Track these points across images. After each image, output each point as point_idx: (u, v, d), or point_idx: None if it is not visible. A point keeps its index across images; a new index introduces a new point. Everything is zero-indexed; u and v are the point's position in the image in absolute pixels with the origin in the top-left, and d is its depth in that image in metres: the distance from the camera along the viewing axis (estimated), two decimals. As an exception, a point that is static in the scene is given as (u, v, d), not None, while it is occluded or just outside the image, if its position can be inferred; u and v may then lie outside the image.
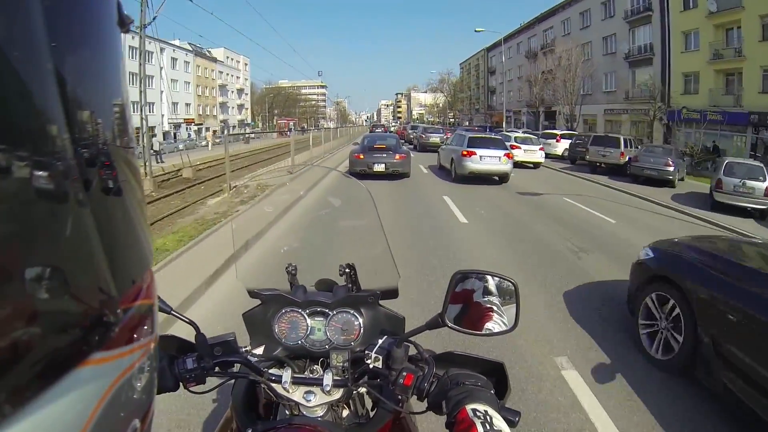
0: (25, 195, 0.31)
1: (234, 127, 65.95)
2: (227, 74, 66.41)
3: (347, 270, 1.30)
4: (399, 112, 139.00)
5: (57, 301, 0.34)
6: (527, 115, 46.73)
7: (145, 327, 0.46)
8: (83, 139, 0.36)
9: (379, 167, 13.83)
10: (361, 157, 14.10)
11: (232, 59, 68.54)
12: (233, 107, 68.43)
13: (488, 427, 0.79)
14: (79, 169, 0.35)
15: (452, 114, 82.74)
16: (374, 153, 14.29)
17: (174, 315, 1.01)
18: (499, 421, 0.81)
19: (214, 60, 62.10)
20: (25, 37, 0.30)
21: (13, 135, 0.30)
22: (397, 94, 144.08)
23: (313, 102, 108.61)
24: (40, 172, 0.32)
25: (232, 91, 67.97)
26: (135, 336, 0.43)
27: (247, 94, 73.96)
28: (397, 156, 14.15)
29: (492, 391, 0.97)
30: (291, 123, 63.04)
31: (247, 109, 73.25)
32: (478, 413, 0.83)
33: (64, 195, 0.34)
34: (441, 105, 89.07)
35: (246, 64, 73.84)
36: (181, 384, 1.03)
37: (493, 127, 44.25)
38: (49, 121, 0.32)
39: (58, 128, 0.33)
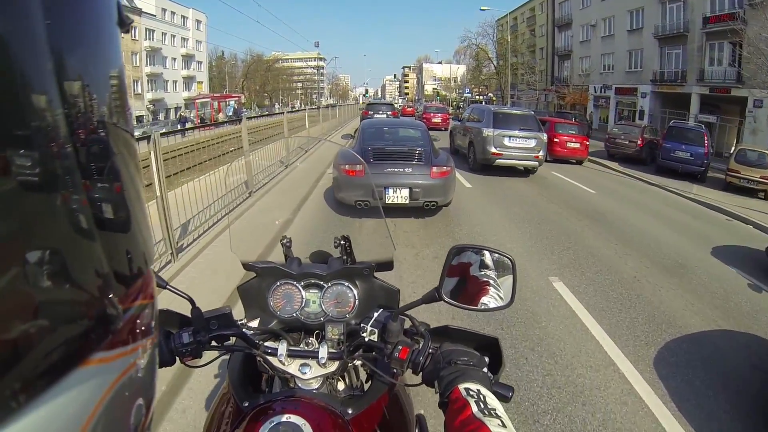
0: (21, 191, 0.31)
1: (177, 108, 44.78)
2: (165, 34, 45.16)
3: (342, 242, 1.32)
4: (406, 88, 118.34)
5: (56, 301, 0.34)
6: (652, 99, 25.70)
7: (145, 326, 0.46)
8: (84, 134, 0.36)
9: (399, 195, 6.47)
10: (360, 172, 6.23)
11: (174, 13, 47.24)
12: (176, 81, 47.65)
13: (482, 406, 0.78)
14: (79, 167, 0.35)
15: (478, 90, 61.82)
16: (386, 164, 6.67)
17: (169, 289, 0.99)
18: (492, 400, 0.82)
19: (138, 12, 40.82)
20: (24, 35, 0.30)
21: (13, 132, 0.30)
22: (404, 67, 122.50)
23: (308, 76, 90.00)
24: (40, 167, 0.32)
25: (173, 59, 46.95)
26: (135, 335, 0.44)
27: (200, 62, 52.71)
28: (434, 170, 6.68)
29: (485, 369, 0.97)
30: (231, 101, 41.83)
31: (200, 83, 52.02)
32: (471, 392, 0.83)
33: (61, 190, 0.34)
34: (465, 76, 67.95)
35: (199, 22, 52.56)
36: (177, 358, 1.03)
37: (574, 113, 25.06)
38: (47, 115, 0.32)
39: (57, 122, 0.33)
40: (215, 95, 44.64)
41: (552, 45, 39.82)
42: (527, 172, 11.86)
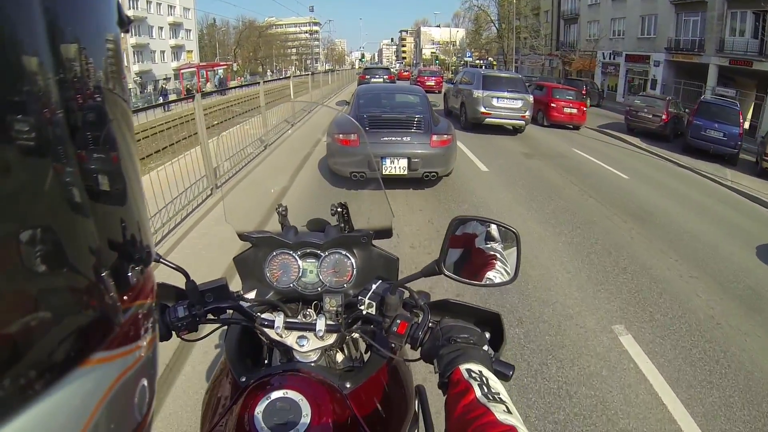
0: (21, 192, 0.30)
1: (165, 80, 42.68)
2: (150, 2, 43.08)
3: (339, 209, 1.30)
4: (404, 53, 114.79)
5: (56, 301, 0.34)
6: (665, 68, 24.22)
7: (146, 325, 0.46)
8: (84, 134, 0.36)
9: (397, 165, 6.10)
10: (355, 141, 5.73)
11: (158, -24, 44.65)
12: (163, 51, 45.45)
13: (486, 390, 0.75)
14: (80, 168, 0.35)
15: (479, 54, 59.70)
16: (383, 133, 6.18)
17: (163, 263, 0.96)
18: (495, 383, 0.78)
19: (120, -24, 38.12)
20: (24, 35, 0.30)
21: (14, 129, 0.30)
22: (401, 31, 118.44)
23: (303, 42, 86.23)
24: (40, 167, 0.32)
25: (160, 28, 44.62)
26: (135, 335, 0.44)
27: (189, 30, 50.29)
28: (434, 139, 6.26)
29: (486, 346, 0.92)
30: (219, 70, 39.50)
31: (190, 52, 49.76)
32: (473, 374, 0.79)
33: (63, 191, 0.34)
34: (464, 40, 65.72)
35: (187, -14, 49.73)
36: (174, 333, 1.02)
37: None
38: (48, 117, 0.32)
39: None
40: (201, 64, 41.80)
41: (558, 7, 37.66)
42: (515, 131, 12.69)
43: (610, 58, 30.16)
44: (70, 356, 0.34)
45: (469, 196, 6.70)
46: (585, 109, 15.30)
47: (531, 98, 12.45)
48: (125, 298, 0.41)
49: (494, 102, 11.88)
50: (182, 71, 38.87)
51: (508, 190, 7.27)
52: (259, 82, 11.00)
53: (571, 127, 15.18)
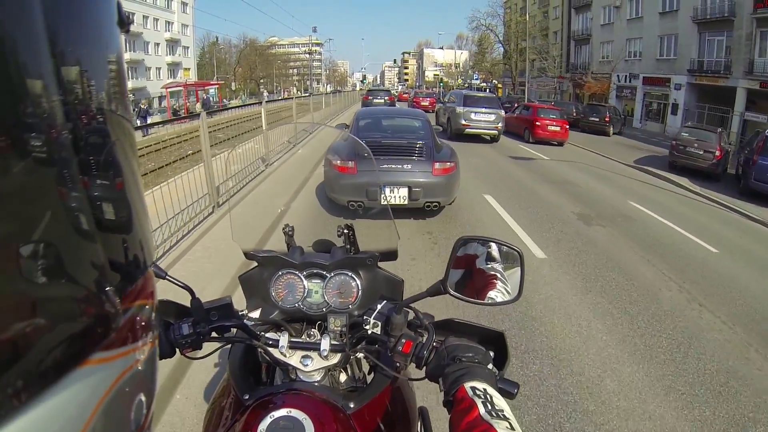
0: (19, 187, 0.30)
1: (161, 98, 40.87)
2: (147, 17, 41.60)
3: (345, 231, 1.29)
4: (406, 74, 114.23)
5: (56, 301, 0.34)
6: (687, 91, 22.38)
7: (145, 327, 0.46)
8: (85, 135, 0.36)
9: (397, 194, 5.79)
10: (353, 169, 5.62)
11: (154, -8, 43.29)
12: (159, 68, 43.90)
13: (489, 407, 0.74)
14: (79, 167, 0.35)
15: (483, 77, 58.06)
16: (382, 160, 5.84)
17: (168, 280, 0.95)
18: (499, 401, 0.78)
19: (115, -9, 36.65)
20: (25, 36, 0.30)
21: (16, 128, 0.30)
22: (404, 53, 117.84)
23: (305, 62, 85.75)
24: (41, 168, 0.32)
25: (157, 44, 43.19)
26: (135, 336, 0.44)
27: (188, 47, 48.97)
28: (436, 167, 5.98)
29: (490, 365, 0.93)
30: (211, 89, 37.45)
31: (187, 70, 48.33)
32: (477, 392, 0.79)
33: (60, 186, 0.34)
34: (468, 62, 64.54)
35: (185, 4, 48.73)
36: (177, 350, 1.00)
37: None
38: (49, 118, 0.32)
39: (58, 124, 0.33)
40: (189, 83, 38.69)
41: (568, 28, 36.08)
42: (492, 140, 15.54)
43: (625, 81, 28.36)
44: (69, 357, 0.34)
45: (529, 321, 3.89)
46: (567, 126, 16.66)
47: (503, 113, 15.54)
48: (125, 298, 0.41)
49: (472, 116, 14.74)
50: (168, 90, 35.02)
51: (584, 301, 4.45)
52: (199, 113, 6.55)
53: (556, 143, 16.52)
